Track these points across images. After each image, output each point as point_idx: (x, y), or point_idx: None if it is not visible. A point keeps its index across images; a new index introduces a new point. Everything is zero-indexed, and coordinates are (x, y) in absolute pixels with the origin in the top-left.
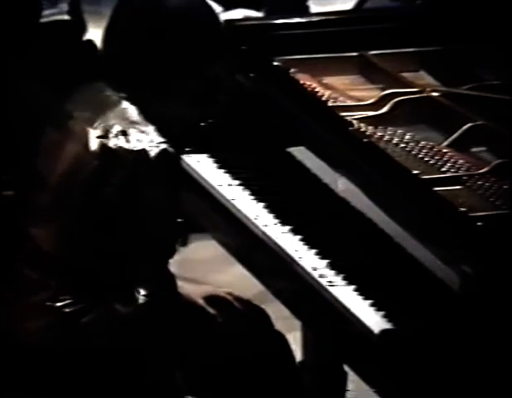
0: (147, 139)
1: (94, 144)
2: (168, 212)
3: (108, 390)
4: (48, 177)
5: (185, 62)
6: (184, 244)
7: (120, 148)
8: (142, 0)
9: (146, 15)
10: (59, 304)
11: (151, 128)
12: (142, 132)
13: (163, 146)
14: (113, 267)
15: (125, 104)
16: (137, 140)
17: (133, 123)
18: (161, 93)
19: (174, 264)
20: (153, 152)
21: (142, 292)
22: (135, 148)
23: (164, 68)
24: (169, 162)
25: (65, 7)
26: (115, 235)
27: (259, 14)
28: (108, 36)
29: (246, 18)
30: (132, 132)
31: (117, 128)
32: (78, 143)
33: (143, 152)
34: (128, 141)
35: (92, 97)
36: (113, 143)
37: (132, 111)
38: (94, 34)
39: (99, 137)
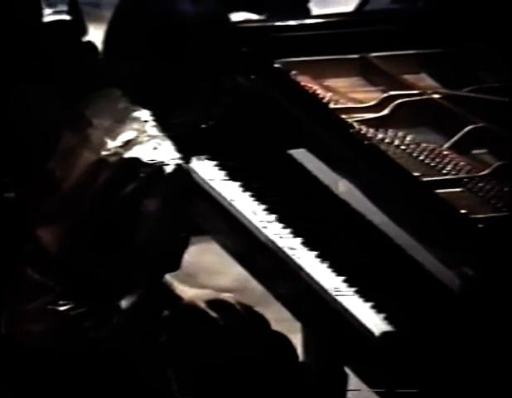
0: (164, 154)
1: (110, 154)
2: (173, 228)
3: (108, 393)
4: (62, 180)
5: (194, 68)
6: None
7: (136, 160)
8: (143, 3)
9: (147, 20)
10: (61, 308)
11: (168, 143)
12: (160, 146)
13: (179, 162)
14: (115, 272)
15: (145, 117)
16: (154, 154)
17: (151, 136)
18: (174, 102)
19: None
20: (169, 167)
21: (127, 299)
22: (150, 162)
23: (173, 76)
24: (183, 178)
25: (64, 7)
26: (119, 244)
27: (261, 18)
28: (108, 41)
29: (247, 20)
30: (149, 145)
31: (135, 141)
32: (95, 152)
33: (158, 166)
34: (144, 154)
35: (111, 106)
36: (129, 154)
37: (150, 124)
38: (95, 35)
39: (116, 147)
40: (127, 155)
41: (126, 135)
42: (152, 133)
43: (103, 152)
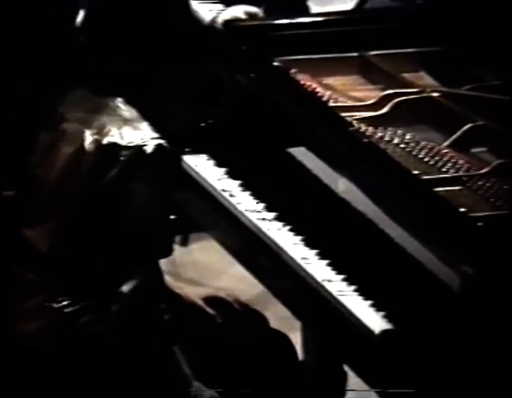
0: (142, 135)
1: (88, 143)
2: (160, 208)
3: (107, 390)
4: (44, 178)
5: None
6: (184, 244)
7: (114, 144)
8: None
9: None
10: (57, 305)
11: (145, 125)
12: (136, 128)
13: (158, 141)
14: (108, 264)
15: (118, 102)
16: (132, 137)
17: (127, 120)
18: (148, 88)
19: (174, 265)
20: (148, 147)
21: (126, 287)
22: (129, 144)
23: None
24: (165, 157)
25: None
26: (109, 231)
27: (259, 10)
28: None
29: (246, 19)
30: (125, 129)
31: (110, 126)
32: (72, 143)
33: (138, 147)
34: (122, 138)
35: (83, 98)
36: (107, 140)
37: (125, 108)
38: None
39: (92, 135)
40: (104, 141)
41: (101, 122)
42: (127, 116)
43: (81, 142)
